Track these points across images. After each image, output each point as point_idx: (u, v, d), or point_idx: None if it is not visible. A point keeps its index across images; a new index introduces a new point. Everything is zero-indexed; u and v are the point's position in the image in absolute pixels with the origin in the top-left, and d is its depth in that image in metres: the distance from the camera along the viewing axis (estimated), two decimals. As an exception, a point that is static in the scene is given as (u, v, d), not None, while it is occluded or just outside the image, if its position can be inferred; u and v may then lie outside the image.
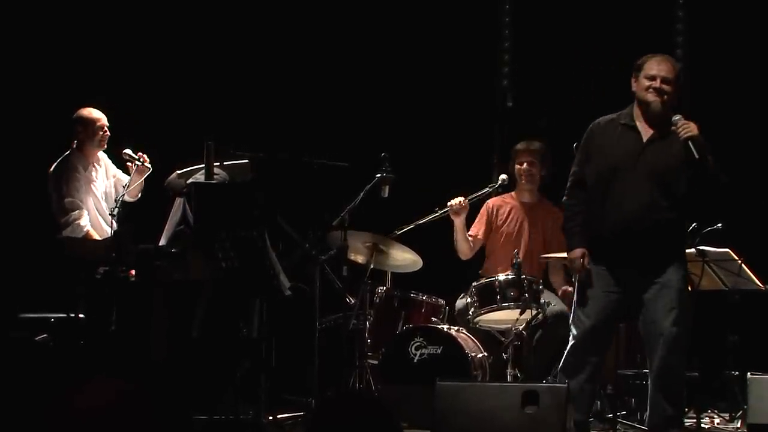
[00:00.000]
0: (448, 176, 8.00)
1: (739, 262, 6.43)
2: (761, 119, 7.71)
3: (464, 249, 7.23)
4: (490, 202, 7.33)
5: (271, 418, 6.42)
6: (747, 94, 7.88)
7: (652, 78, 5.59)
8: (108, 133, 7.08)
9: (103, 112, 7.13)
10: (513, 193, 7.33)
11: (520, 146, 7.26)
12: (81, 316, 6.36)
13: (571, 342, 5.77)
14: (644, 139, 5.64)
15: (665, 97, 5.57)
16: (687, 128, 5.50)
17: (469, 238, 7.27)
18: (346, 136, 8.25)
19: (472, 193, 7.18)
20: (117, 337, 6.26)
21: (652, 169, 5.59)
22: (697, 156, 5.47)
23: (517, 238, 7.20)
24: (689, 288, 6.46)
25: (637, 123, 5.67)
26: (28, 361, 6.06)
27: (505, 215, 7.29)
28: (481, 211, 7.34)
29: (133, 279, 6.43)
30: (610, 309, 5.69)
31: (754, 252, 6.66)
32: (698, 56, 8.35)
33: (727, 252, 6.44)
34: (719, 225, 6.49)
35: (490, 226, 7.30)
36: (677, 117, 5.54)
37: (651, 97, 5.59)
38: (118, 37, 8.41)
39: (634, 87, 5.67)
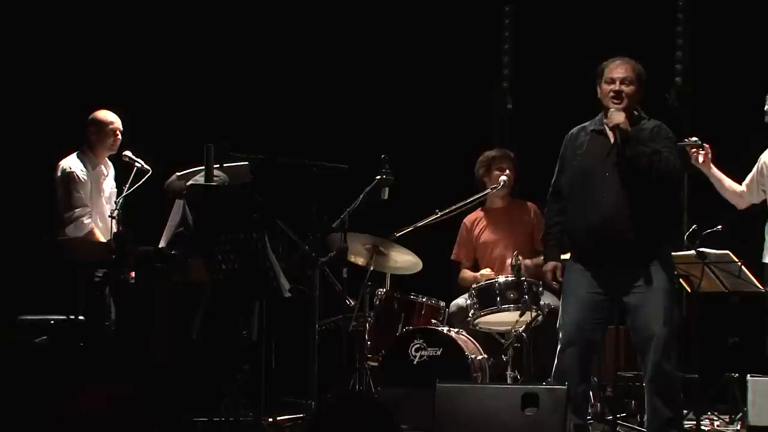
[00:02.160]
0: (448, 178, 8.00)
1: (740, 264, 6.44)
2: (762, 120, 7.69)
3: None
4: (466, 220, 7.48)
5: (270, 420, 6.43)
6: (747, 95, 7.87)
7: (612, 81, 5.77)
8: (120, 137, 7.09)
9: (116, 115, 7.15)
10: (483, 203, 7.43)
11: (495, 153, 7.33)
12: (81, 318, 6.36)
13: (559, 346, 5.81)
14: (612, 141, 5.76)
15: (626, 99, 5.73)
16: (612, 117, 5.69)
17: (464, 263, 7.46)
18: (346, 138, 8.25)
19: (472, 196, 7.20)
20: (117, 339, 6.26)
21: (621, 167, 5.69)
22: (619, 141, 5.65)
23: (498, 245, 7.26)
24: (689, 288, 6.48)
25: (606, 127, 5.81)
26: (28, 363, 6.05)
27: (482, 228, 7.43)
28: (459, 233, 7.46)
29: (132, 281, 6.43)
30: (594, 309, 5.74)
31: (754, 254, 6.67)
32: (698, 57, 8.35)
33: (727, 254, 6.45)
34: (719, 227, 6.49)
35: (472, 245, 7.42)
36: (610, 111, 5.71)
37: (611, 102, 5.75)
38: (119, 39, 8.41)
39: (599, 93, 5.84)
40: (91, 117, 7.12)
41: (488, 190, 7.26)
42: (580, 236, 5.80)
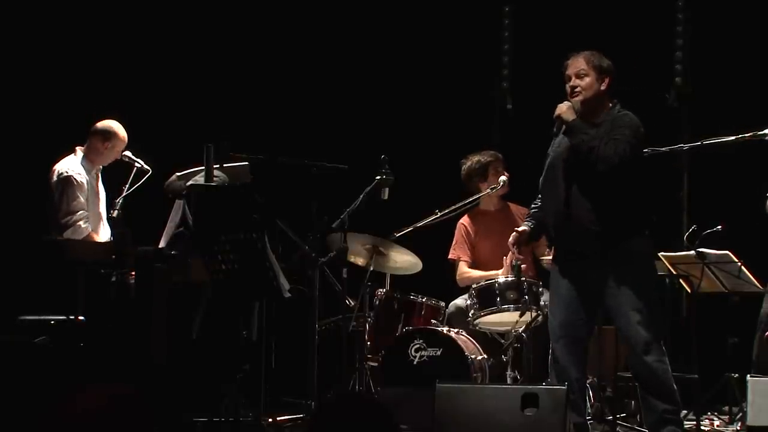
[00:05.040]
0: (448, 178, 8.00)
1: (739, 264, 6.44)
2: (762, 120, 7.71)
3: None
4: (463, 221, 7.45)
5: (270, 420, 6.43)
6: (747, 96, 7.88)
7: (568, 78, 5.79)
8: (120, 156, 7.06)
9: (102, 114, 7.12)
10: (478, 206, 7.42)
11: (491, 159, 7.33)
12: (81, 318, 6.37)
13: (551, 344, 5.83)
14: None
15: (582, 92, 5.72)
16: (556, 109, 5.72)
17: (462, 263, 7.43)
18: (346, 138, 8.25)
19: (471, 196, 7.20)
20: (117, 339, 6.26)
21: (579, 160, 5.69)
22: (555, 130, 5.73)
23: (493, 249, 7.25)
24: (689, 288, 6.47)
25: None
26: (28, 363, 6.05)
27: (477, 230, 7.43)
28: (456, 233, 7.46)
29: (132, 281, 6.43)
30: (576, 308, 5.73)
31: (754, 254, 6.67)
32: (698, 57, 8.35)
33: (727, 254, 6.45)
34: (719, 227, 6.49)
35: (470, 246, 7.43)
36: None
37: (570, 97, 5.75)
38: (118, 39, 8.41)
39: None
40: (107, 127, 7.03)
41: (488, 191, 7.26)
42: (549, 232, 5.85)
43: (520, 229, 5.98)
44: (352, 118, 8.54)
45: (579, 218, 5.64)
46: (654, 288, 5.76)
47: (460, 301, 7.10)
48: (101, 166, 7.15)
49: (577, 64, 5.76)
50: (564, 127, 5.68)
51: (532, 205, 6.05)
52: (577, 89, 5.73)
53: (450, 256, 7.49)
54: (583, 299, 5.72)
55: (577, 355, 5.75)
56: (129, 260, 6.33)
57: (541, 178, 5.89)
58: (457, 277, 7.44)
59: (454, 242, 7.49)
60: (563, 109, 5.70)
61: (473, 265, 7.41)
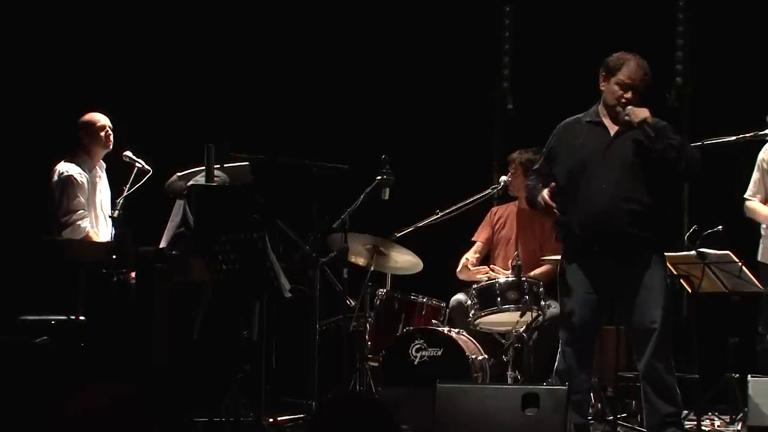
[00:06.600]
0: (449, 178, 8.00)
1: (740, 264, 6.43)
2: (763, 120, 7.71)
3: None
4: (494, 209, 7.46)
5: (271, 420, 6.43)
6: (748, 96, 7.88)
7: (623, 86, 5.66)
8: (111, 133, 7.10)
9: (103, 114, 7.14)
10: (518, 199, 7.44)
11: (511, 158, 7.32)
12: (81, 318, 6.37)
13: (560, 345, 5.82)
14: (611, 133, 5.72)
15: (631, 102, 5.65)
16: (636, 113, 5.58)
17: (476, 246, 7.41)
18: (346, 138, 8.25)
19: (474, 195, 7.20)
20: (117, 339, 6.26)
21: (621, 161, 5.65)
22: (652, 134, 5.54)
23: (513, 243, 7.25)
24: (689, 288, 6.48)
25: (603, 119, 5.76)
26: (28, 363, 6.05)
27: (504, 222, 7.42)
28: (485, 218, 7.43)
29: (133, 281, 6.43)
30: (592, 308, 5.73)
31: (755, 254, 6.67)
32: (698, 57, 8.35)
33: (728, 254, 6.45)
34: (719, 227, 6.49)
35: (493, 233, 7.39)
36: (629, 108, 5.61)
37: (619, 108, 5.66)
38: (119, 40, 8.42)
39: (603, 87, 5.74)
40: (80, 121, 7.14)
41: (488, 191, 7.26)
42: (575, 229, 5.73)
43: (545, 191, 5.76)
44: (353, 118, 8.54)
45: (618, 220, 5.59)
46: (669, 288, 5.79)
47: (461, 296, 7.09)
48: (104, 164, 7.18)
49: (641, 77, 5.66)
50: (650, 131, 5.54)
51: (529, 181, 6.02)
52: (631, 101, 5.64)
53: (473, 238, 7.47)
54: (600, 299, 5.73)
55: (586, 357, 5.77)
56: (129, 260, 6.34)
57: (557, 173, 5.78)
58: (462, 261, 7.42)
59: (481, 224, 7.48)
60: (647, 113, 5.59)
61: (489, 257, 7.39)
